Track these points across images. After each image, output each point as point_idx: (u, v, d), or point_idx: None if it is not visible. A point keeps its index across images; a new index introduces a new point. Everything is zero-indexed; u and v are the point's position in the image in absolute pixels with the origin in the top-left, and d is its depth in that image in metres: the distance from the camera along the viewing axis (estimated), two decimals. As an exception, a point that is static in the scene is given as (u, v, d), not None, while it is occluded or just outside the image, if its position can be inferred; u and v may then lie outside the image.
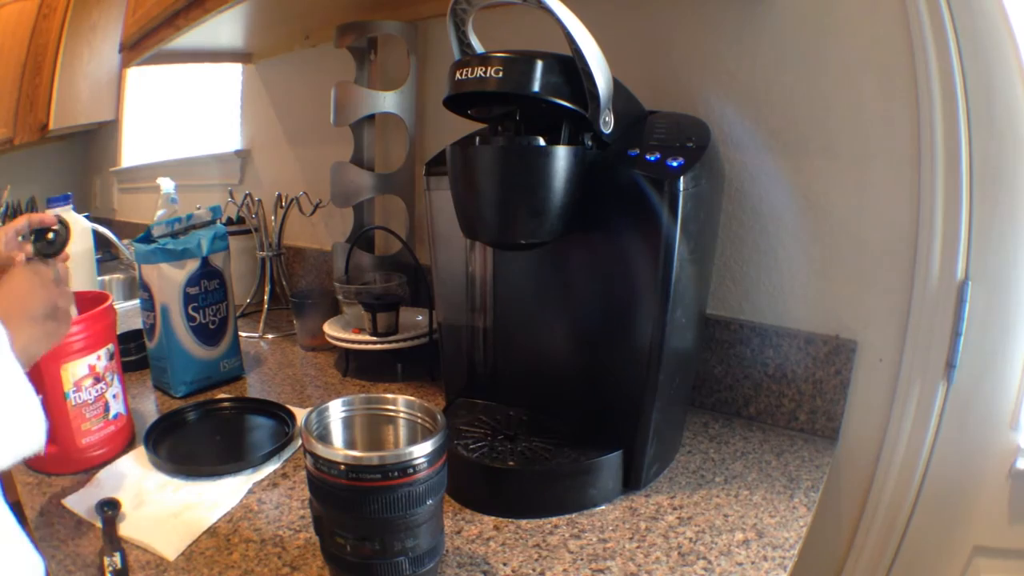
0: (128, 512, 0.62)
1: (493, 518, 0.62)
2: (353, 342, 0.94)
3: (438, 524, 0.51)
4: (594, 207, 0.60)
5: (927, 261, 0.69)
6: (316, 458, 0.47)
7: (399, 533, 0.48)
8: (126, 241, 1.56)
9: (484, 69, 0.54)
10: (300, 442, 0.76)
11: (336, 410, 0.54)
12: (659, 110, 0.70)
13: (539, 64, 0.54)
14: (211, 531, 0.60)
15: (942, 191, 0.67)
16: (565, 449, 0.65)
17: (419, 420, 0.53)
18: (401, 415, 0.54)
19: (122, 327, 0.89)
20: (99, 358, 0.72)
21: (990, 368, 0.69)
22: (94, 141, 2.29)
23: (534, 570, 0.55)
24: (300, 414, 0.82)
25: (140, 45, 1.32)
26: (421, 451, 0.46)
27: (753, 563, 0.55)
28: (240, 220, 1.31)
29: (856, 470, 0.77)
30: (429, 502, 0.48)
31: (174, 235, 0.92)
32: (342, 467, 0.46)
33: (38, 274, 0.57)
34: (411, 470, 0.46)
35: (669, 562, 0.55)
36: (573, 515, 0.62)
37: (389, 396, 0.55)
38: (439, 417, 0.51)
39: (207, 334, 0.92)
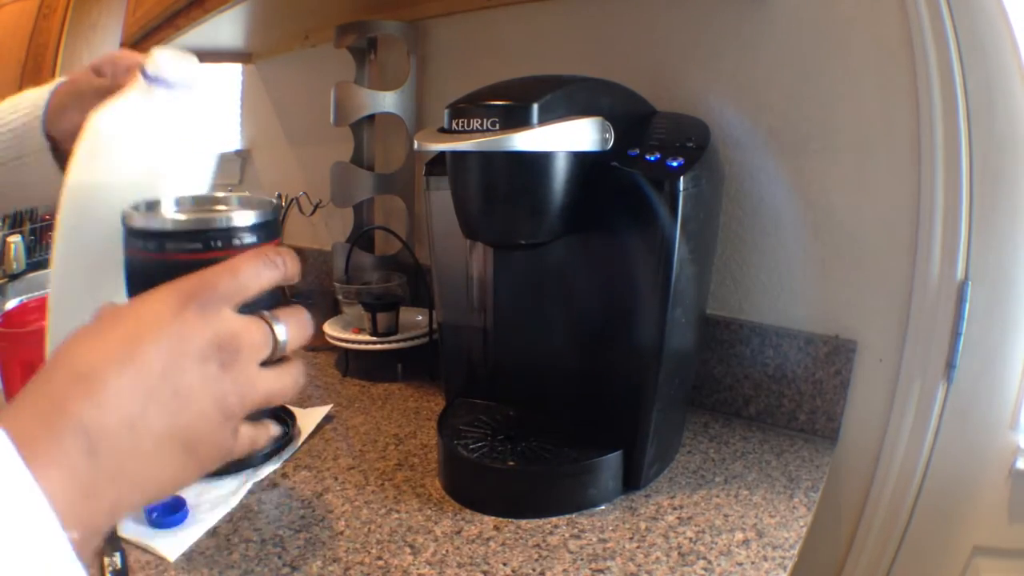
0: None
1: (493, 518, 0.62)
2: (353, 342, 0.94)
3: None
4: (594, 207, 0.60)
5: (927, 261, 0.69)
6: (133, 231, 0.38)
7: None
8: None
9: (481, 121, 0.54)
10: (300, 442, 0.77)
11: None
12: (659, 110, 0.70)
13: (535, 109, 0.54)
14: (211, 531, 0.60)
15: (942, 191, 0.67)
16: (565, 449, 0.65)
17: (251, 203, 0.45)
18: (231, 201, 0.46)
19: (122, 327, 0.89)
20: (99, 358, 0.71)
21: (990, 368, 0.69)
22: (94, 141, 2.29)
23: (534, 570, 0.55)
24: (300, 414, 0.82)
25: (140, 45, 1.32)
26: (244, 220, 0.38)
27: (753, 563, 0.55)
28: (240, 220, 1.31)
29: (856, 470, 0.77)
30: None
31: (174, 235, 0.91)
32: (160, 237, 0.37)
33: (206, 322, 0.31)
34: (237, 241, 0.38)
35: (669, 562, 0.55)
36: (573, 515, 0.62)
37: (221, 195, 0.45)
38: (273, 202, 0.43)
39: (207, 334, 0.92)
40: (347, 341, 0.95)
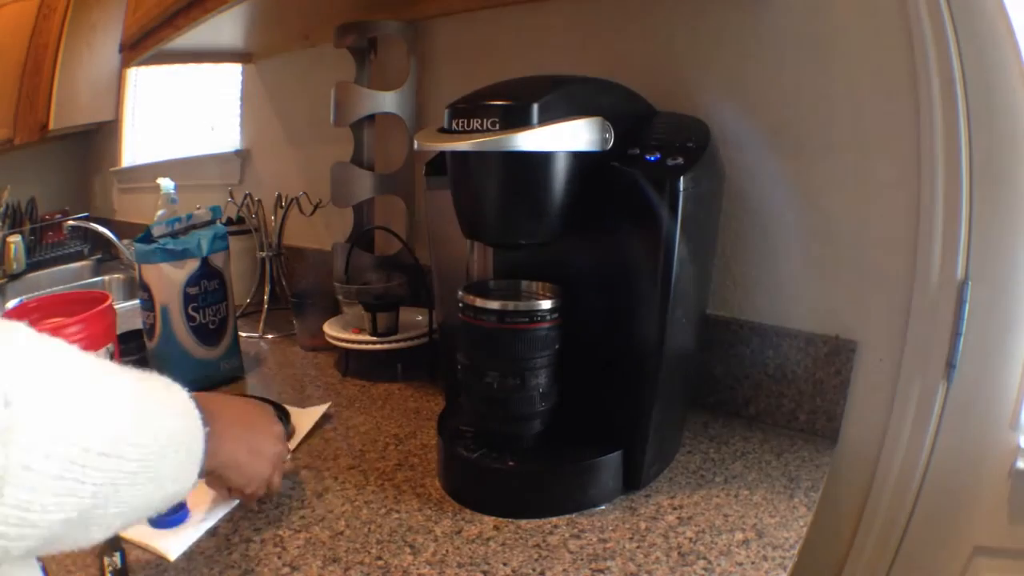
0: (128, 512, 0.62)
1: (493, 518, 0.62)
2: (353, 342, 0.94)
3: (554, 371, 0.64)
4: (594, 207, 0.60)
5: (927, 261, 0.69)
6: (475, 309, 0.59)
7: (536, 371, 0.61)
8: (126, 241, 1.56)
9: (481, 121, 0.54)
10: (299, 441, 0.77)
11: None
12: (660, 110, 0.70)
13: (535, 108, 0.54)
14: (211, 531, 0.60)
15: (942, 191, 0.67)
16: (565, 449, 0.65)
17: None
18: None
19: (122, 327, 0.89)
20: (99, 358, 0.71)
21: (990, 368, 0.69)
22: (94, 141, 2.29)
23: (534, 570, 0.55)
24: (299, 414, 0.82)
25: (140, 45, 1.32)
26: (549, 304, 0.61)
27: (753, 563, 0.55)
28: (240, 220, 1.31)
29: (856, 470, 0.77)
30: (557, 347, 0.63)
31: (174, 235, 0.92)
32: (498, 314, 0.60)
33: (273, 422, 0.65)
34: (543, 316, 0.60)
35: (669, 562, 0.55)
36: (573, 515, 0.62)
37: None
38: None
39: (207, 334, 0.92)
40: (347, 341, 0.95)
